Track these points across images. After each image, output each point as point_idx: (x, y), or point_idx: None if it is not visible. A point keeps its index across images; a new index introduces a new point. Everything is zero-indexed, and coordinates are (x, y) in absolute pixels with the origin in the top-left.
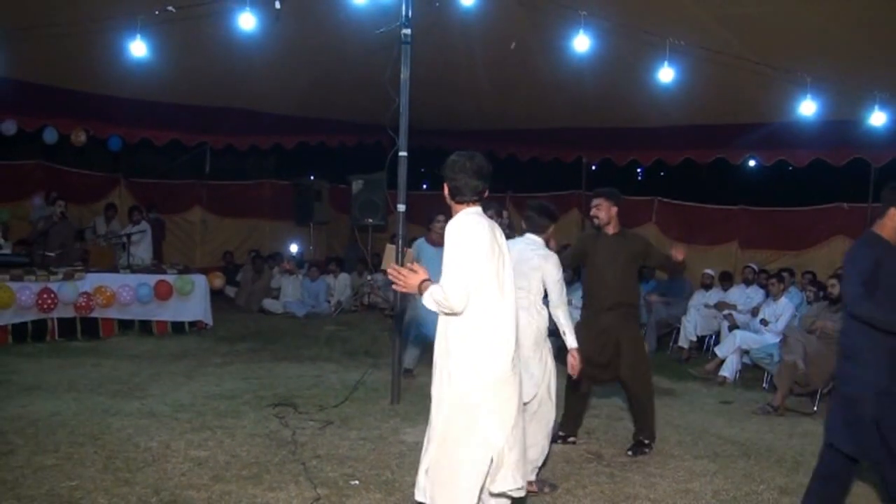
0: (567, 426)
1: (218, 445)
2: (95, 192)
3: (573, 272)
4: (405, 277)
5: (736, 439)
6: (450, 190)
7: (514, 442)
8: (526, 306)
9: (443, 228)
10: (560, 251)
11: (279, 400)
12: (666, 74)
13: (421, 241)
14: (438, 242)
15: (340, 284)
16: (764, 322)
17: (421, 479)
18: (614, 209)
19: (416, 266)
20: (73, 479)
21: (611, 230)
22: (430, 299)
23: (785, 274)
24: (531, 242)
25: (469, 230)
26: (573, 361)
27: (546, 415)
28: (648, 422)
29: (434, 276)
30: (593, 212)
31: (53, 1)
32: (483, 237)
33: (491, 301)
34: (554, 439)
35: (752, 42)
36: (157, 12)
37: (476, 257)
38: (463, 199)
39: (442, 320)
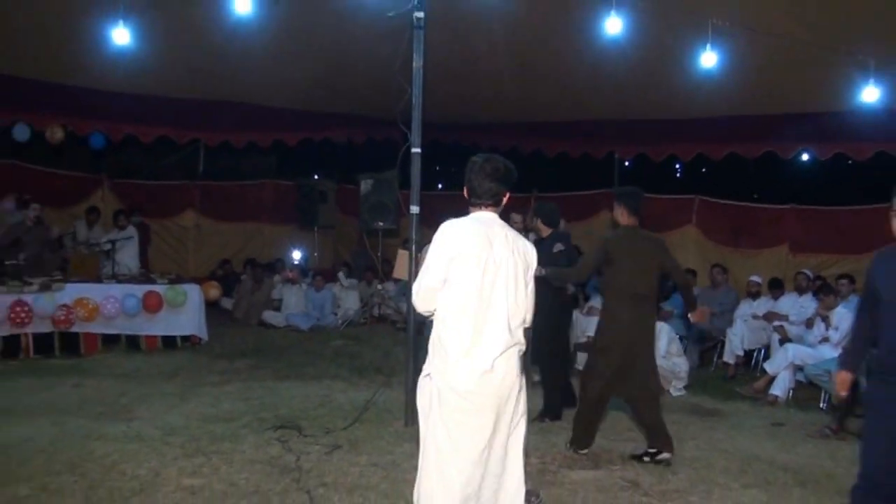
0: (582, 440)
1: (214, 473)
2: (75, 195)
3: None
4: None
5: (789, 466)
6: (467, 191)
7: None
8: None
9: None
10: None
11: (282, 422)
12: (708, 59)
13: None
14: None
15: (348, 293)
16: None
17: None
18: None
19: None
20: None
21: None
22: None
23: (844, 281)
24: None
25: (442, 234)
26: None
27: None
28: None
29: None
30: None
31: None
32: (454, 240)
33: (459, 309)
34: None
35: (805, 20)
36: None
37: (440, 260)
38: (477, 200)
39: None
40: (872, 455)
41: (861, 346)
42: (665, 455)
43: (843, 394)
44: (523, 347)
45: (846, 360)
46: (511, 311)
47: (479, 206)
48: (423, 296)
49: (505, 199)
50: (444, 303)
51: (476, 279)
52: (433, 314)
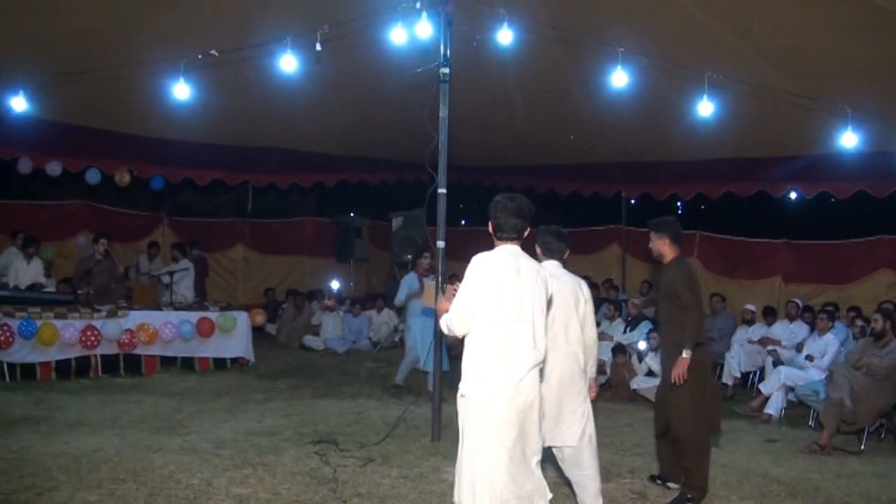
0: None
1: (259, 483)
2: (138, 231)
3: None
4: (443, 302)
5: (782, 479)
6: (493, 227)
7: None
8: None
9: (429, 264)
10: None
11: (320, 437)
12: (705, 108)
13: (410, 275)
14: (424, 274)
15: (380, 320)
16: (809, 358)
17: None
18: (662, 240)
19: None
20: None
21: (665, 261)
22: (443, 323)
23: (830, 309)
24: (559, 268)
25: (476, 266)
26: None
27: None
28: (691, 472)
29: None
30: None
31: (98, 46)
32: (488, 271)
33: (491, 333)
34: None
35: (791, 74)
36: (200, 56)
37: (475, 289)
38: (503, 235)
39: None
40: None
41: None
42: (672, 484)
43: None
44: (542, 364)
45: None
46: (537, 334)
47: (505, 240)
48: (461, 319)
49: (526, 233)
50: (477, 327)
51: (506, 306)
52: (465, 336)
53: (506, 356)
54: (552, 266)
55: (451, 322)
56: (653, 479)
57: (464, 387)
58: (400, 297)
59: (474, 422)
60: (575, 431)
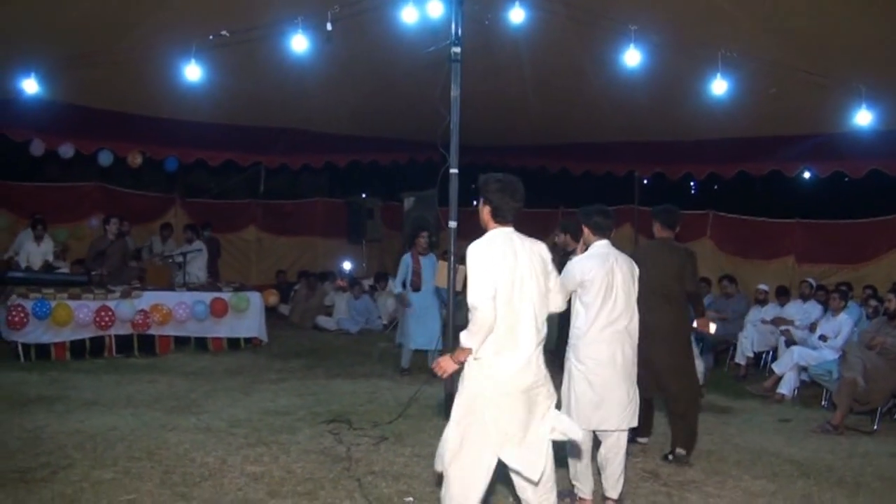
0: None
1: (273, 461)
2: (151, 212)
3: None
4: (443, 367)
5: (795, 459)
6: (491, 210)
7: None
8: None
9: (426, 242)
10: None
11: (334, 416)
12: (719, 86)
13: (407, 256)
14: (421, 253)
15: (384, 299)
16: (823, 338)
17: None
18: (656, 226)
19: (443, 360)
20: (130, 493)
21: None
22: (467, 338)
23: (844, 288)
24: (609, 247)
25: (478, 254)
26: None
27: None
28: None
29: (427, 278)
30: None
31: (110, 29)
32: (489, 256)
33: (498, 316)
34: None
35: (804, 52)
36: (210, 37)
37: (486, 275)
38: (502, 219)
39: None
40: None
41: None
42: (680, 450)
43: None
44: (545, 340)
45: None
46: (538, 311)
47: (502, 223)
48: (485, 306)
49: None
50: None
51: (507, 288)
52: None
53: (511, 337)
54: (603, 246)
55: (480, 312)
56: (665, 457)
57: (469, 366)
58: (396, 286)
59: (484, 399)
60: (626, 416)
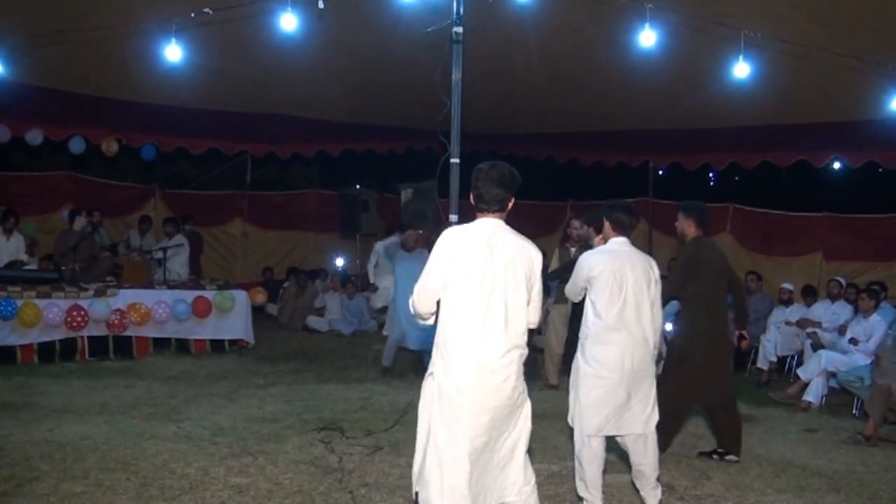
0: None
1: (260, 472)
2: (129, 205)
3: None
4: None
5: (823, 472)
6: (473, 198)
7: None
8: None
9: (417, 239)
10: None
11: (325, 424)
12: (741, 70)
13: (402, 252)
14: (411, 249)
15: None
16: (854, 341)
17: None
18: (688, 223)
19: None
20: None
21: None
22: (410, 305)
23: (876, 288)
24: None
25: (442, 240)
26: None
27: None
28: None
29: (411, 278)
30: None
31: (81, 4)
32: (454, 246)
33: (461, 313)
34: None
35: (836, 32)
36: (192, 14)
37: (440, 265)
38: (484, 207)
39: None
40: None
41: None
42: (732, 457)
43: None
44: (525, 351)
45: None
46: (510, 315)
47: (485, 212)
48: (423, 298)
49: (510, 205)
50: (445, 305)
51: (474, 283)
52: (433, 315)
53: (475, 337)
54: (621, 243)
55: (415, 298)
56: (708, 454)
57: (432, 366)
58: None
59: (439, 404)
60: (642, 419)
